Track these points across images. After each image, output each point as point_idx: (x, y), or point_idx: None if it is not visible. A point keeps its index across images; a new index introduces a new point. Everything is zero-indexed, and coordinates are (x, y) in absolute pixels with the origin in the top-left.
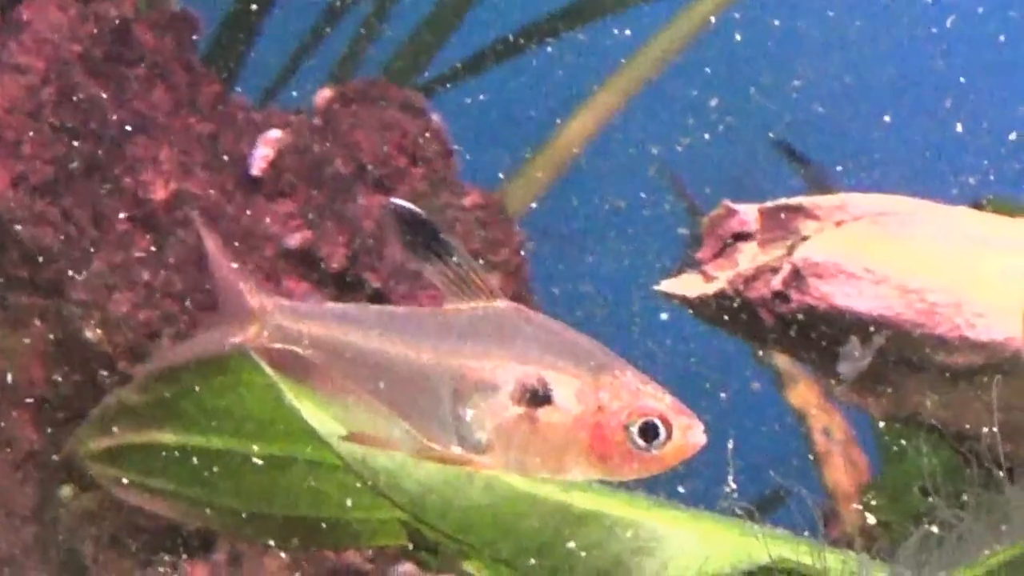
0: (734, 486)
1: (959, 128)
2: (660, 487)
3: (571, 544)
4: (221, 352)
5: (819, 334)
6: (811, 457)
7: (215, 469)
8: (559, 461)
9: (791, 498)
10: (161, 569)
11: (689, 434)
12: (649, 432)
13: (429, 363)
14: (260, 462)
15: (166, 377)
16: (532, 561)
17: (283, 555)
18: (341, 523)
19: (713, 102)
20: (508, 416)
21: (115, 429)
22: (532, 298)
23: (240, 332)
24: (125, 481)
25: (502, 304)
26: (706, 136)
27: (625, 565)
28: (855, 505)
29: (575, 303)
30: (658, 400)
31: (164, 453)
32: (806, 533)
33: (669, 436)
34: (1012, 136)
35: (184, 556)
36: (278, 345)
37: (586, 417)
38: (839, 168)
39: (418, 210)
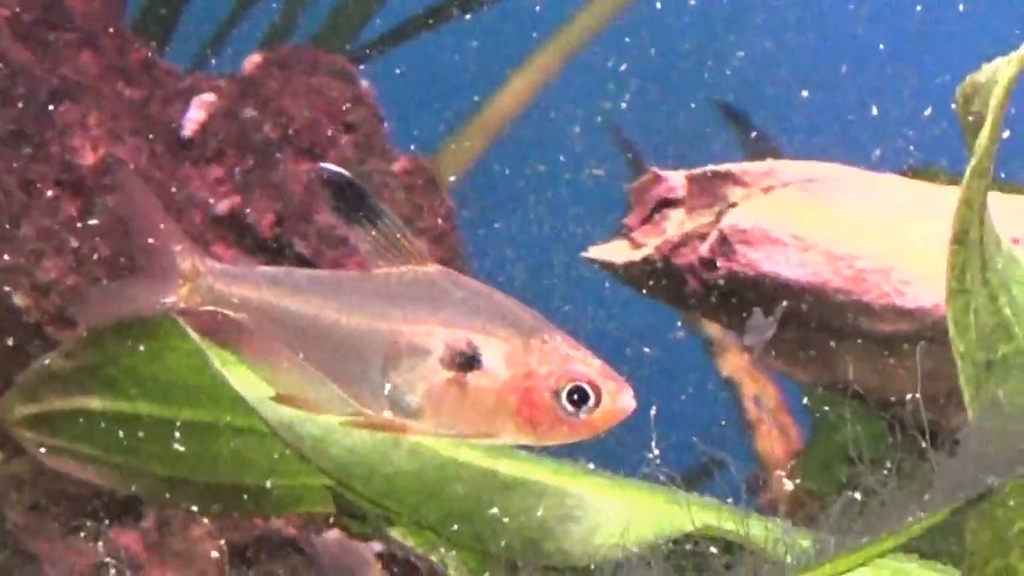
0: (657, 452)
1: (881, 95)
2: (587, 455)
3: (495, 510)
4: (151, 314)
5: (746, 301)
6: (742, 426)
7: (142, 435)
8: (488, 425)
9: (721, 467)
10: (83, 534)
11: (618, 399)
12: (578, 397)
13: (360, 328)
14: (187, 428)
15: (93, 343)
16: (456, 527)
17: (206, 522)
18: (266, 490)
19: (643, 69)
20: (438, 380)
21: (43, 395)
22: (461, 265)
23: (172, 293)
24: (49, 448)
25: (432, 268)
26: (623, 105)
27: (551, 532)
28: (781, 473)
29: (505, 271)
30: (587, 365)
31: (91, 419)
32: (730, 500)
33: (598, 401)
34: (927, 112)
35: (109, 523)
36: (210, 308)
37: (515, 382)
38: (752, 135)
39: (348, 174)
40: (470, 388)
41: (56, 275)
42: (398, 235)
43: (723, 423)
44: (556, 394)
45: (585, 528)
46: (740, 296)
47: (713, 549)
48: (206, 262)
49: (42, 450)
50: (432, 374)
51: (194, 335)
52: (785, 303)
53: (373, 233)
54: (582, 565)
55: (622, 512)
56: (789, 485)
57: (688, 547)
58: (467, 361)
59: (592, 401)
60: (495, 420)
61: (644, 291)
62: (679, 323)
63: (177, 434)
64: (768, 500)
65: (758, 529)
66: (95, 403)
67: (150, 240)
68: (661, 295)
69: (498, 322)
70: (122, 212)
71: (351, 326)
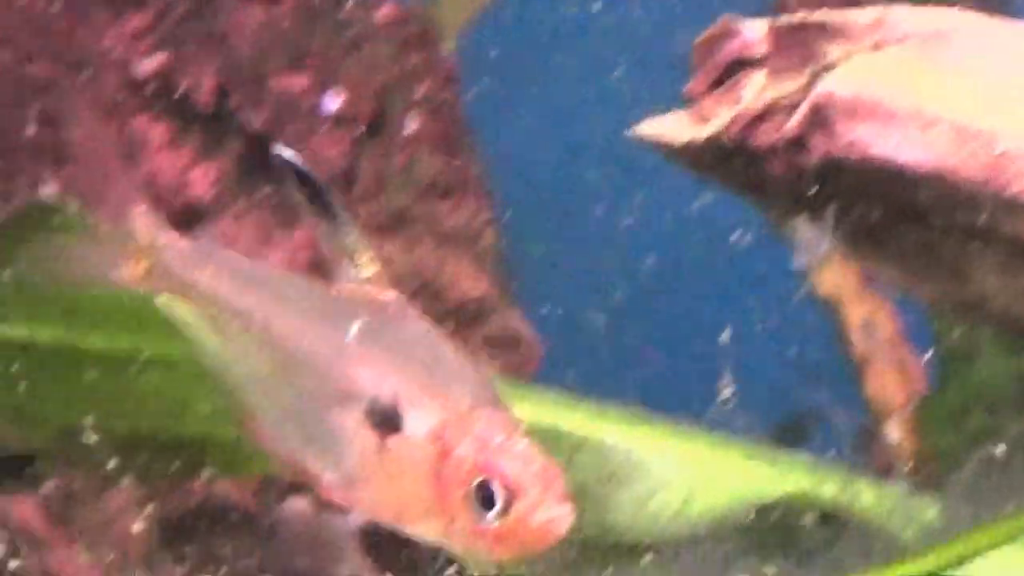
0: (729, 392)
1: None
2: (638, 396)
3: None
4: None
5: (848, 193)
6: (848, 361)
7: (39, 371)
8: (403, 509)
9: (820, 415)
10: None
11: (536, 511)
12: (484, 495)
13: (318, 358)
14: (100, 361)
15: None
16: None
17: (128, 486)
18: (210, 444)
19: None
20: (365, 438)
21: None
22: (463, 145)
23: (122, 267)
24: None
25: (390, 296)
26: None
27: (592, 498)
28: (903, 423)
29: (523, 153)
30: (513, 458)
31: None
32: (831, 456)
33: (508, 507)
34: None
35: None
36: (162, 293)
37: (434, 459)
38: None
39: (304, 168)
40: (388, 455)
41: None
42: (357, 247)
43: (822, 357)
44: (468, 486)
45: (636, 493)
46: (840, 187)
47: (808, 520)
48: (167, 233)
49: None
50: (360, 431)
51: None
52: (925, 192)
53: (330, 235)
54: (631, 541)
55: (685, 473)
56: (909, 438)
57: (775, 517)
58: (387, 421)
59: (500, 505)
60: (412, 503)
61: (712, 178)
62: (761, 222)
63: (88, 369)
64: (882, 458)
65: (868, 495)
66: None
67: (99, 187)
68: (735, 184)
69: (435, 380)
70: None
71: (311, 355)
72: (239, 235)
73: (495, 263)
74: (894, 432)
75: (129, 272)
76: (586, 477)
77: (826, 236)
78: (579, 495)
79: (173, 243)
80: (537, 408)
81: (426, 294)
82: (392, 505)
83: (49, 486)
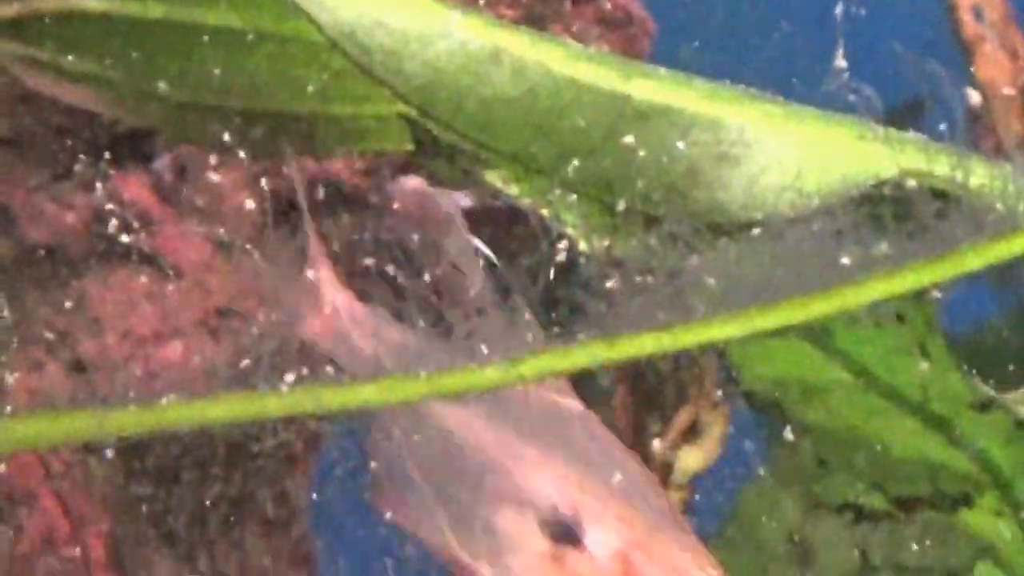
0: (844, 64)
1: None
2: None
3: (629, 139)
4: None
5: None
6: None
7: (154, 46)
8: None
9: (932, 95)
10: (73, 181)
11: None
12: None
13: (494, 458)
14: (214, 37)
15: None
16: (575, 164)
17: (242, 158)
18: (322, 119)
19: None
20: (536, 547)
21: None
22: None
23: (304, 326)
24: (30, 63)
25: (573, 403)
26: None
27: (701, 175)
28: (1012, 104)
29: None
30: None
31: (87, 24)
32: (945, 136)
33: None
34: None
35: (109, 165)
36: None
37: None
38: None
39: (484, 253)
40: (565, 567)
41: None
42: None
43: (934, 38)
44: None
45: (747, 172)
46: None
47: (920, 195)
48: (345, 296)
49: (32, 62)
50: (532, 537)
51: None
52: None
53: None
54: (742, 219)
55: (797, 151)
56: (1018, 120)
57: (887, 193)
58: (567, 533)
59: None
60: None
61: None
62: None
63: (204, 45)
64: (991, 139)
65: (980, 173)
66: (92, 2)
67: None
68: None
69: (618, 498)
70: None
71: (481, 450)
72: None
73: None
74: (1003, 113)
75: (315, 328)
76: (698, 154)
77: None
78: (691, 173)
79: (349, 307)
80: (649, 85)
81: None
82: None
83: (160, 163)
